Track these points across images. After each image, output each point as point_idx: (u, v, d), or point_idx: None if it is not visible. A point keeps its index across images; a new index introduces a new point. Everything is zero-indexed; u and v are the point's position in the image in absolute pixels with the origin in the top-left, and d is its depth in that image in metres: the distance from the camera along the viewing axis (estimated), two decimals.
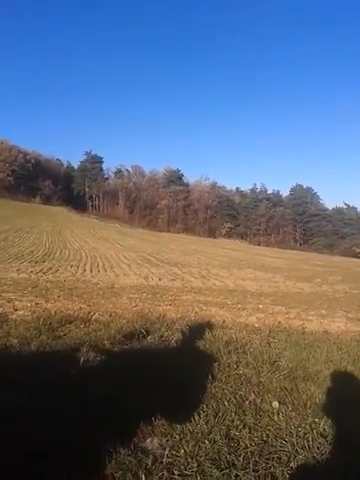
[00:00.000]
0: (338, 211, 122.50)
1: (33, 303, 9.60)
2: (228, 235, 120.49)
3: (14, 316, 7.46)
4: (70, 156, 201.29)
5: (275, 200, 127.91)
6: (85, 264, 24.98)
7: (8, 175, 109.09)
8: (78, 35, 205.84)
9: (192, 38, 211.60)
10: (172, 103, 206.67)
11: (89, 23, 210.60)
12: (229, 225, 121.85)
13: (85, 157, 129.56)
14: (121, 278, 19.78)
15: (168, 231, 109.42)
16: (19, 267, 20.33)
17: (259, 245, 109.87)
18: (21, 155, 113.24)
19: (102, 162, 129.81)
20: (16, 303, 9.38)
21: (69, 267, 22.63)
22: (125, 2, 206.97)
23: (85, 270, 22.07)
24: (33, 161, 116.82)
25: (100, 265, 25.28)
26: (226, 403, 3.62)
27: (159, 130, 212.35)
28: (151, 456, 2.77)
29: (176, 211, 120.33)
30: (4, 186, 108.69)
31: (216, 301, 13.38)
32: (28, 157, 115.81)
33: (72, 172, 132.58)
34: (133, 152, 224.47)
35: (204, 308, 11.08)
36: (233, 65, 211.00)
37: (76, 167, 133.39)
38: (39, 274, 18.28)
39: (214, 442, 2.97)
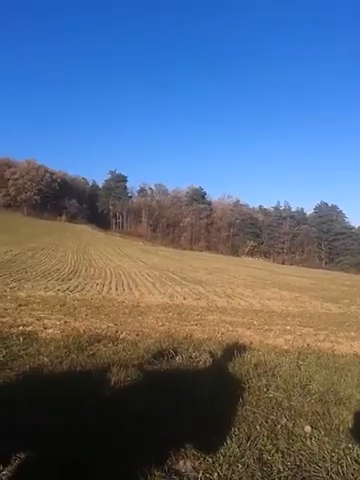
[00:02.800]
0: None
1: (62, 321, 9.75)
2: (251, 253, 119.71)
3: (44, 334, 7.57)
4: (95, 175, 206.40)
5: (299, 218, 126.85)
6: (110, 282, 25.18)
7: (35, 194, 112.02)
8: (98, 56, 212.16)
9: (214, 57, 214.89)
10: (196, 122, 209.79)
11: (108, 44, 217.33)
12: (252, 243, 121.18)
13: (110, 176, 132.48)
14: (146, 296, 19.86)
15: (191, 249, 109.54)
16: (47, 285, 20.66)
17: (283, 264, 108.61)
18: (48, 174, 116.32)
19: (126, 181, 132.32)
20: (45, 321, 9.55)
21: (95, 285, 22.86)
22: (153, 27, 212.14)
23: (110, 288, 22.24)
24: (59, 180, 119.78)
25: (125, 283, 25.45)
26: (258, 427, 3.59)
27: (182, 149, 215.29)
28: (185, 479, 2.80)
29: (199, 229, 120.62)
30: (31, 205, 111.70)
31: (242, 321, 13.31)
32: (54, 176, 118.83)
33: (97, 191, 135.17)
34: (157, 171, 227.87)
35: (230, 329, 11.03)
36: (256, 84, 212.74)
37: (101, 186, 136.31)
38: (66, 292, 18.53)
39: (247, 466, 2.95)
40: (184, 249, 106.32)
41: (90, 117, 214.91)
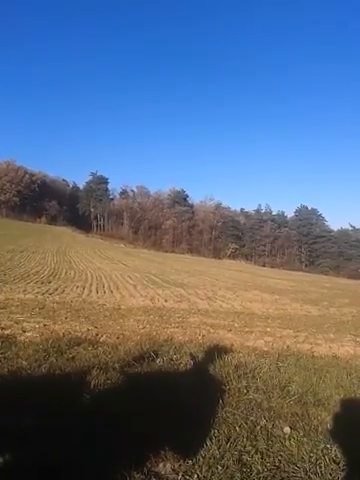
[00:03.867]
0: (343, 233, 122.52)
1: (41, 324, 9.62)
2: (233, 256, 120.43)
3: (22, 338, 7.46)
4: (76, 177, 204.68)
5: (280, 221, 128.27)
6: (91, 285, 24.97)
7: (14, 195, 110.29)
8: (81, 58, 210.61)
9: (196, 58, 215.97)
10: (177, 124, 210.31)
11: (90, 46, 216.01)
12: (234, 246, 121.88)
13: (91, 178, 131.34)
14: (127, 299, 19.76)
15: (173, 251, 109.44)
16: (25, 288, 20.36)
17: (264, 266, 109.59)
18: (27, 176, 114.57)
19: (107, 183, 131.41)
20: (24, 324, 9.41)
21: (75, 288, 22.63)
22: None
23: (91, 291, 22.06)
24: (39, 182, 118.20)
25: (106, 286, 25.27)
26: (237, 428, 3.60)
27: (164, 151, 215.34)
28: None
29: (181, 231, 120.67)
30: (10, 206, 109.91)
31: (223, 324, 13.36)
32: (34, 178, 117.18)
33: (78, 192, 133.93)
34: (138, 173, 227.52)
35: (212, 331, 11.07)
36: (237, 86, 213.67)
37: (82, 187, 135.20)
38: (46, 295, 18.30)
39: (227, 467, 2.96)
40: (166, 251, 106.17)
41: (71, 118, 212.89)
